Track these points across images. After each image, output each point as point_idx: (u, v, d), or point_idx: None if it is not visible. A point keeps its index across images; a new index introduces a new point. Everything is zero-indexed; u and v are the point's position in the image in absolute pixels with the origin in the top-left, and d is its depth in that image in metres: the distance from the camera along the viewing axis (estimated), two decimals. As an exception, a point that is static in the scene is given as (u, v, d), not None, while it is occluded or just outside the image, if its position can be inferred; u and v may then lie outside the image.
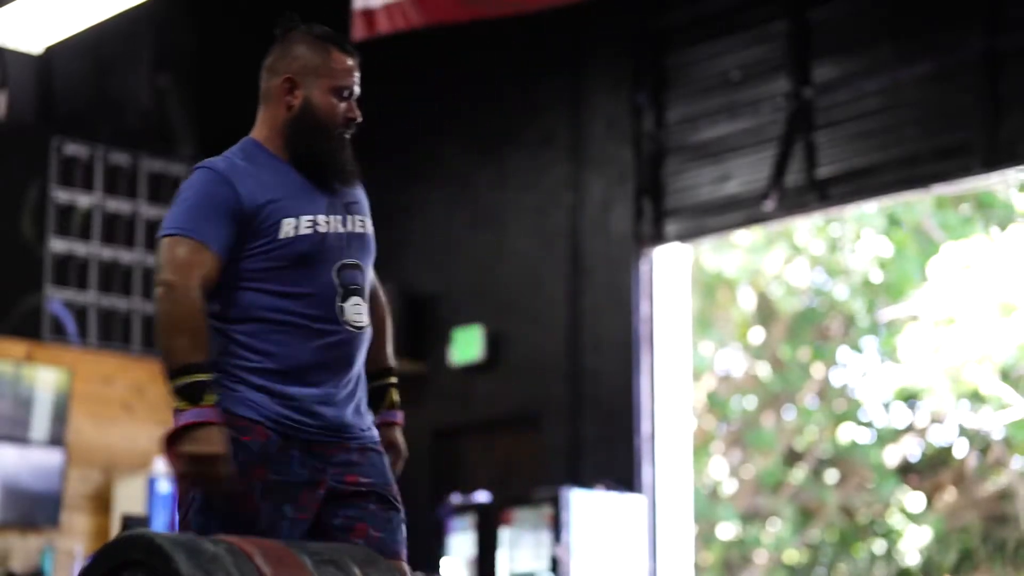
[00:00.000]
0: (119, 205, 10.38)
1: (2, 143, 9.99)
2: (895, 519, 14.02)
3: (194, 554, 3.40)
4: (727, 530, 14.46)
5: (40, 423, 9.85)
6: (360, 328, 3.85)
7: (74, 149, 10.29)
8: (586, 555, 8.72)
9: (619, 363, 9.32)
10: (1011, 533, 13.02)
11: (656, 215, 9.40)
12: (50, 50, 9.15)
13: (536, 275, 9.92)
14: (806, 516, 14.52)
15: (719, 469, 14.76)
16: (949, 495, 13.89)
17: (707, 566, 14.38)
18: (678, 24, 9.52)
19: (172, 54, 10.75)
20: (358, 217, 3.92)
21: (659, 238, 9.37)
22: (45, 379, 9.90)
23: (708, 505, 14.05)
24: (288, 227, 3.78)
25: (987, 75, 8.15)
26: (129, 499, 9.85)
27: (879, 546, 14.20)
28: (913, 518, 13.87)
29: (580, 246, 9.70)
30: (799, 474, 14.37)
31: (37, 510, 9.80)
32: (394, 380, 4.08)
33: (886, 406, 13.87)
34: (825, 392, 14.41)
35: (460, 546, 9.11)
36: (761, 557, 14.75)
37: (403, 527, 3.89)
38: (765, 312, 14.40)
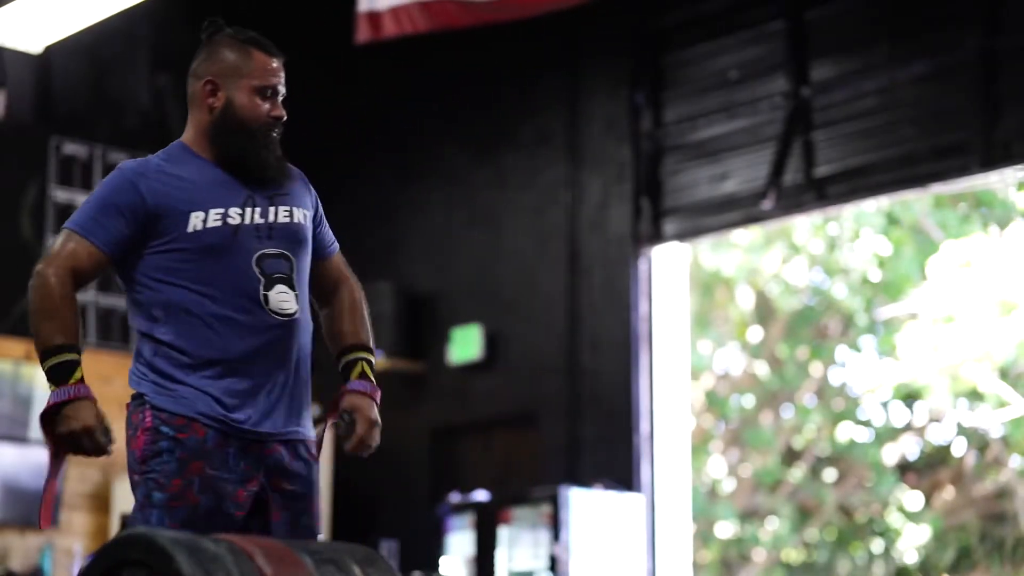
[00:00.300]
0: (118, 205, 10.37)
1: (1, 143, 9.98)
2: (893, 517, 14.02)
3: (194, 553, 3.39)
4: (725, 528, 14.46)
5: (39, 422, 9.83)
6: (288, 316, 3.85)
7: (73, 149, 10.28)
8: (585, 554, 8.72)
9: (617, 362, 9.32)
10: (1009, 531, 13.02)
11: (654, 214, 9.40)
12: (49, 50, 9.15)
13: (534, 274, 9.92)
14: (804, 514, 14.53)
15: (718, 468, 14.76)
16: (947, 493, 13.90)
17: (705, 564, 14.38)
18: (676, 24, 9.52)
19: (171, 54, 10.72)
20: (283, 208, 3.92)
21: (657, 237, 9.37)
22: (44, 378, 9.88)
23: (707, 504, 14.05)
24: (196, 220, 3.84)
25: (984, 75, 8.16)
26: (128, 498, 9.70)
27: (877, 544, 14.21)
28: (911, 516, 13.87)
29: (578, 245, 9.70)
30: (797, 473, 14.37)
31: (36, 509, 9.77)
32: (365, 355, 4.02)
33: (884, 405, 13.86)
34: (823, 391, 14.41)
35: (459, 545, 9.11)
36: (759, 555, 14.76)
37: (316, 539, 3.91)
38: (763, 311, 14.40)
